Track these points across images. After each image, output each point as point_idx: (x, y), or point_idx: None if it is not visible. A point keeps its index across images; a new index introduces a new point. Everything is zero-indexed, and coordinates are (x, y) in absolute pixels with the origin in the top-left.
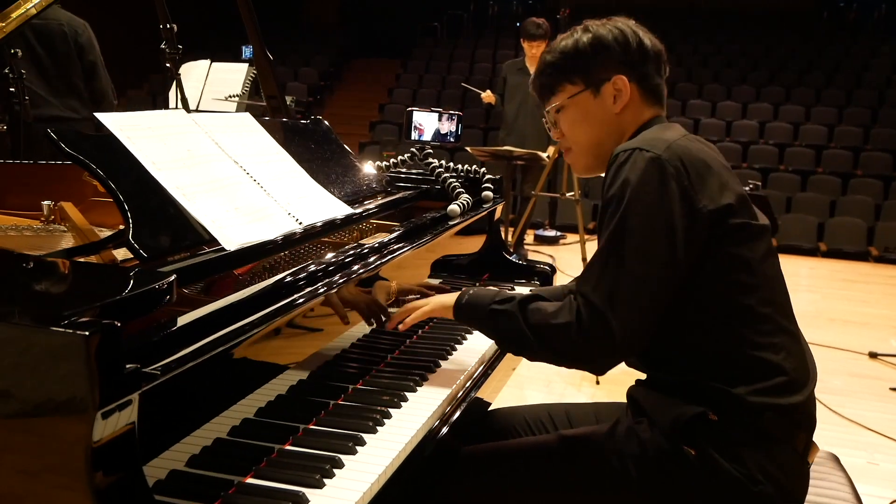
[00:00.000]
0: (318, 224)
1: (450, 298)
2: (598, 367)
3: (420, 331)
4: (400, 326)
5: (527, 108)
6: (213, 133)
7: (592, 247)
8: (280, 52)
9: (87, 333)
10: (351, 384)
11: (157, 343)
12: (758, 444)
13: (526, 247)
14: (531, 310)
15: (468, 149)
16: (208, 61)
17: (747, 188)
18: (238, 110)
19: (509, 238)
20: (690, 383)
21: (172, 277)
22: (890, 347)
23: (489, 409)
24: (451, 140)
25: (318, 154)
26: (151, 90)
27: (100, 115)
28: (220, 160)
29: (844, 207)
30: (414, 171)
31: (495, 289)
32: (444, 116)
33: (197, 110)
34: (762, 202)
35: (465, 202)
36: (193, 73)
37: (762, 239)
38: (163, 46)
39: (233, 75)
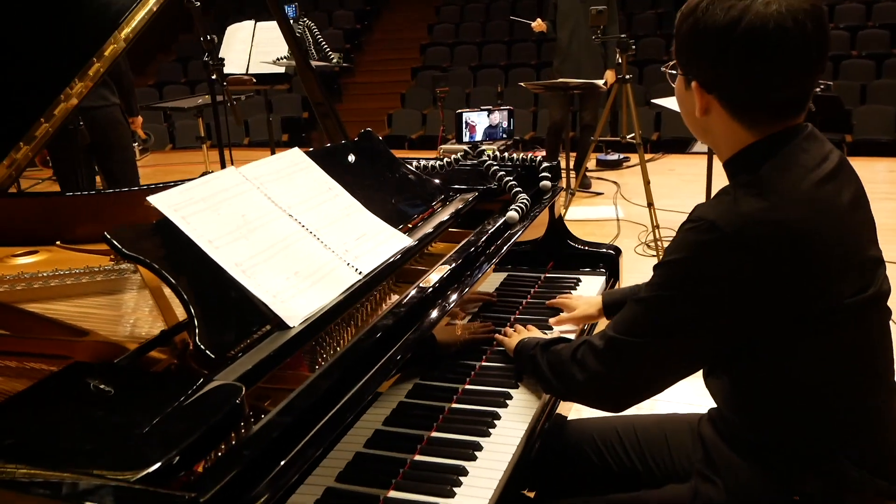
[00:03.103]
0: (378, 270)
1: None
2: (609, 409)
3: (483, 357)
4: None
5: (580, 33)
6: (265, 185)
7: (655, 175)
8: None
9: None
10: (426, 432)
11: (234, 479)
12: None
13: (588, 174)
14: (551, 352)
15: (522, 84)
16: (252, 22)
17: (817, 89)
18: (287, 72)
19: (571, 166)
20: (772, 454)
21: (242, 393)
22: None
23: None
24: (504, 136)
25: (370, 174)
26: (180, 53)
27: (152, 199)
28: (275, 217)
29: None
30: (468, 164)
31: (540, 336)
32: (495, 113)
33: (247, 73)
34: (833, 103)
35: (523, 204)
36: (238, 35)
37: (874, 309)
38: (206, 59)
39: (277, 34)
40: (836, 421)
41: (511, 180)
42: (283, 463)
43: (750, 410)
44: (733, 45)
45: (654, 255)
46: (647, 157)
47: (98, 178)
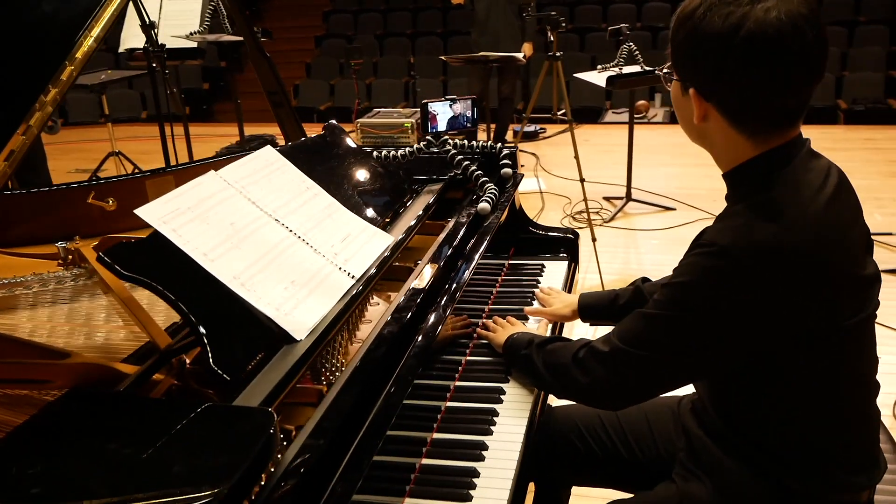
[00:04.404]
0: (370, 272)
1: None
2: (607, 409)
3: (467, 351)
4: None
5: (498, 6)
6: (246, 188)
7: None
8: None
9: None
10: (428, 433)
11: None
12: None
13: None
14: (547, 351)
15: (443, 58)
16: None
17: None
18: (200, 46)
19: (491, 139)
20: (757, 454)
21: (274, 420)
22: (875, 224)
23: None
24: (467, 124)
25: (341, 170)
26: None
27: (140, 211)
28: (262, 223)
29: None
30: (425, 153)
31: (531, 333)
32: (458, 103)
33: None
34: None
35: (493, 195)
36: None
37: (868, 325)
38: (145, 45)
39: (188, 6)
40: (825, 427)
41: (476, 170)
42: (331, 486)
43: (739, 416)
44: (732, 53)
45: (582, 227)
46: (562, 127)
47: None
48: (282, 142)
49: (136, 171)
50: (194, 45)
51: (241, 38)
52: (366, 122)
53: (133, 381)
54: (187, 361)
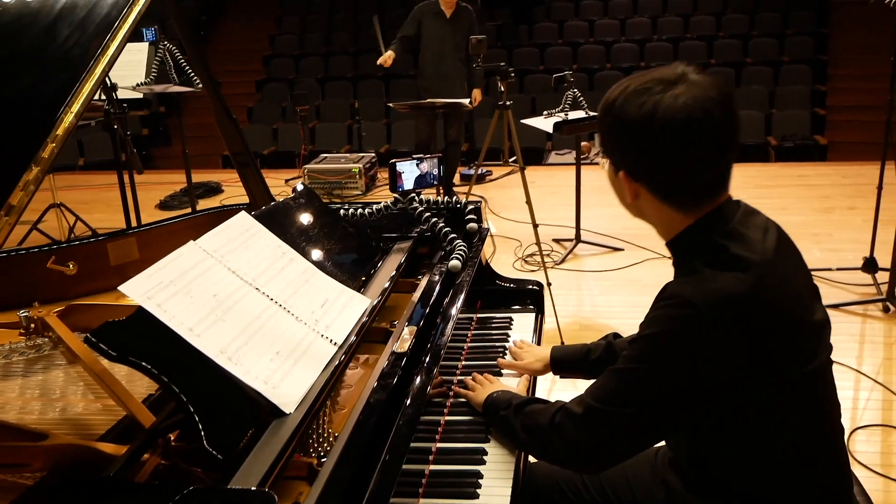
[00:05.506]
0: (352, 338)
1: (481, 399)
2: (587, 472)
3: (445, 410)
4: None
5: (446, 52)
6: (225, 258)
7: (516, 187)
8: None
9: None
10: (414, 499)
11: None
12: None
13: (455, 189)
14: (525, 414)
15: (391, 104)
16: None
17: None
18: (146, 97)
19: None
20: (735, 501)
21: (275, 501)
22: (815, 259)
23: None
24: (434, 182)
25: (314, 233)
26: None
27: (124, 287)
28: (244, 294)
29: (739, 99)
30: (389, 211)
31: (510, 393)
32: (424, 162)
33: (100, 99)
34: None
35: (462, 252)
36: None
37: (828, 367)
38: (107, 107)
39: (134, 57)
40: (799, 471)
41: (444, 226)
42: None
43: (712, 465)
44: (651, 138)
45: (534, 270)
46: (507, 169)
47: None
48: (227, 188)
49: (78, 222)
50: (140, 95)
51: (188, 89)
52: (314, 168)
53: (121, 466)
54: (172, 438)
